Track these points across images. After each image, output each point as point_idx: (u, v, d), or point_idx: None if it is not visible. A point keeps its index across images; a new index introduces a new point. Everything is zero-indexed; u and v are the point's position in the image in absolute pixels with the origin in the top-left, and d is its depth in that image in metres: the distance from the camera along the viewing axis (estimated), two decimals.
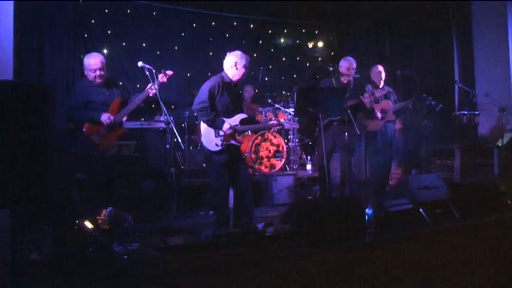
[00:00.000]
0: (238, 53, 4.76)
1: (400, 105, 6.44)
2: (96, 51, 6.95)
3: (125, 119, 5.04)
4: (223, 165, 4.68)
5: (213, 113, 4.58)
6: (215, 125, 4.60)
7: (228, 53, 4.81)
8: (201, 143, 4.77)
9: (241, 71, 4.71)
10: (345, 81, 5.84)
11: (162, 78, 5.01)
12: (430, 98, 6.69)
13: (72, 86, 5.38)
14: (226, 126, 4.60)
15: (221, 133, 4.61)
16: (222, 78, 4.71)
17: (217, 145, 4.62)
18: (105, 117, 4.89)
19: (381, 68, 6.51)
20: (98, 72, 4.94)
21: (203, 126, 4.67)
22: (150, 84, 4.95)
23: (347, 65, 5.82)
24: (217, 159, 4.66)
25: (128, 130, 5.18)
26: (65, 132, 5.93)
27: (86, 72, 5.01)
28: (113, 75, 6.03)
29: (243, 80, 4.92)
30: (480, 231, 4.39)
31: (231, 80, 4.73)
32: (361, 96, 5.71)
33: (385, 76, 6.52)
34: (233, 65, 4.70)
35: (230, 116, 4.70)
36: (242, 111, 4.82)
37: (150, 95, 4.99)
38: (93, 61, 4.96)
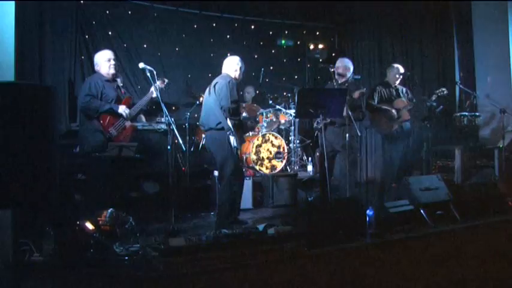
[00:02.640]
0: (234, 56, 5.08)
1: (413, 104, 6.40)
2: (97, 52, 7.02)
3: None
4: (238, 160, 5.01)
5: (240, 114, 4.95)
6: (234, 123, 4.82)
7: (229, 56, 5.09)
8: (229, 142, 4.86)
9: (241, 73, 5.07)
10: (340, 82, 5.85)
11: (161, 84, 5.15)
12: (440, 92, 6.63)
13: (84, 81, 5.46)
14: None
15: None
16: (232, 79, 4.95)
17: (237, 142, 4.87)
18: (123, 109, 4.99)
19: (400, 68, 6.48)
20: (112, 62, 5.06)
21: (231, 123, 4.83)
22: (153, 87, 5.02)
23: (343, 65, 5.85)
24: (237, 155, 4.93)
25: (136, 127, 5.35)
26: (68, 133, 5.97)
27: (99, 67, 5.06)
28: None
29: (244, 80, 5.12)
30: (481, 232, 4.39)
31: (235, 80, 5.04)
32: (354, 94, 5.74)
33: (403, 77, 6.49)
34: (237, 68, 5.03)
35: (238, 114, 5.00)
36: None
37: (153, 95, 5.10)
38: (108, 52, 5.11)
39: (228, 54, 5.04)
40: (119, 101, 5.07)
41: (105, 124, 4.90)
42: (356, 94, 5.73)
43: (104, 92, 4.98)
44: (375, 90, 6.42)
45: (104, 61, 5.04)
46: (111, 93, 5.03)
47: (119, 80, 5.40)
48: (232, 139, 4.76)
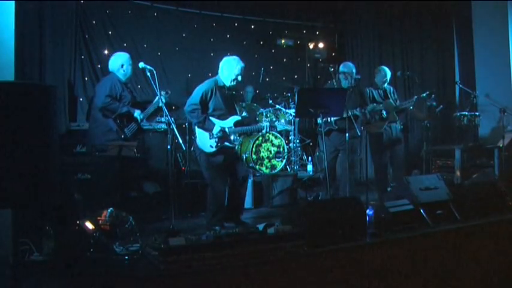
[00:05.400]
0: (231, 58, 4.91)
1: (401, 105, 6.44)
2: (97, 52, 7.02)
3: None
4: (219, 166, 4.86)
5: (203, 116, 4.76)
6: (205, 127, 4.77)
7: (224, 58, 4.95)
8: (196, 145, 4.92)
9: (234, 76, 4.84)
10: (347, 87, 5.86)
11: (165, 94, 5.26)
12: (433, 96, 6.68)
13: (101, 80, 5.61)
14: (217, 128, 4.76)
15: (214, 135, 4.76)
16: (216, 82, 4.87)
17: (211, 146, 4.79)
18: (138, 113, 5.15)
19: (387, 71, 6.52)
20: (125, 67, 5.18)
21: (197, 128, 4.83)
22: (157, 98, 5.11)
23: (346, 70, 5.87)
24: (213, 160, 4.85)
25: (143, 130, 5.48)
26: (68, 132, 5.97)
27: (120, 69, 5.15)
28: None
29: (243, 80, 5.02)
30: (481, 232, 4.39)
31: (224, 84, 4.89)
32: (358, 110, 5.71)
33: (389, 77, 6.53)
34: (225, 70, 4.86)
35: (224, 118, 4.85)
36: (236, 114, 4.97)
37: (160, 104, 5.14)
38: (121, 57, 5.21)
39: (228, 54, 4.99)
40: (131, 104, 5.20)
41: (120, 124, 5.02)
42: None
43: (123, 95, 5.11)
44: (364, 91, 6.45)
45: (129, 65, 5.19)
46: (128, 96, 5.18)
47: None
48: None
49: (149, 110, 5.26)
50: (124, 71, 5.18)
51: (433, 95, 6.76)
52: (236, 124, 4.90)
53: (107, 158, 4.76)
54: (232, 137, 4.92)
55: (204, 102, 4.77)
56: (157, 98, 5.16)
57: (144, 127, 5.95)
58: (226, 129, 4.83)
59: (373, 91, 6.49)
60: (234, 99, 5.16)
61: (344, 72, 5.83)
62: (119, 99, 5.07)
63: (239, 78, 4.87)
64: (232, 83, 4.88)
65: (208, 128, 4.77)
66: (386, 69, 6.56)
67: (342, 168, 5.81)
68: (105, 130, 4.98)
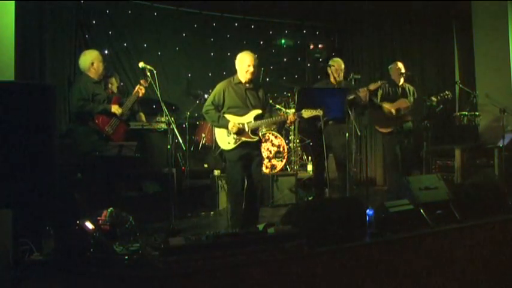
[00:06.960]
0: (240, 54, 4.90)
1: (412, 105, 6.40)
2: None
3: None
4: (237, 161, 4.83)
5: (217, 115, 4.79)
6: (220, 125, 4.80)
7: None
8: (216, 143, 4.99)
9: (246, 70, 4.80)
10: (334, 82, 5.87)
11: (144, 83, 5.14)
12: (440, 95, 6.63)
13: (73, 84, 5.55)
14: (230, 124, 4.74)
15: (230, 131, 4.76)
16: (230, 81, 4.89)
17: (229, 143, 4.80)
18: (116, 108, 5.10)
19: (400, 65, 6.48)
20: (95, 65, 5.13)
21: (215, 127, 4.91)
22: (138, 86, 5.14)
23: (335, 66, 5.89)
24: (231, 156, 4.86)
25: (130, 126, 5.43)
26: (67, 132, 5.97)
27: (91, 67, 5.12)
28: (113, 75, 6.08)
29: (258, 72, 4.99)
30: (481, 232, 4.39)
31: (240, 80, 4.87)
32: (357, 91, 5.71)
33: (405, 73, 6.45)
34: (237, 66, 4.87)
35: (242, 114, 4.83)
36: (258, 108, 4.88)
37: (140, 95, 5.18)
38: (91, 54, 5.16)
39: (229, 54, 4.99)
40: (108, 101, 5.17)
41: (100, 123, 5.00)
42: (372, 86, 5.76)
43: (95, 93, 5.07)
44: (379, 87, 6.40)
45: (100, 62, 5.14)
46: (102, 94, 5.14)
47: (113, 79, 5.43)
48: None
49: (129, 103, 5.21)
50: (95, 69, 5.11)
51: (449, 94, 6.67)
52: (257, 118, 4.84)
53: (101, 158, 4.77)
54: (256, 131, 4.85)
55: (216, 102, 4.82)
56: (136, 89, 5.18)
57: (144, 127, 5.96)
58: (245, 125, 4.79)
59: (389, 88, 6.41)
60: (256, 92, 4.98)
61: (332, 66, 5.85)
62: (92, 99, 5.03)
63: (250, 69, 4.77)
64: (247, 76, 4.81)
65: (223, 126, 4.79)
66: (400, 63, 6.52)
67: (341, 168, 5.81)
68: (86, 133, 5.00)
